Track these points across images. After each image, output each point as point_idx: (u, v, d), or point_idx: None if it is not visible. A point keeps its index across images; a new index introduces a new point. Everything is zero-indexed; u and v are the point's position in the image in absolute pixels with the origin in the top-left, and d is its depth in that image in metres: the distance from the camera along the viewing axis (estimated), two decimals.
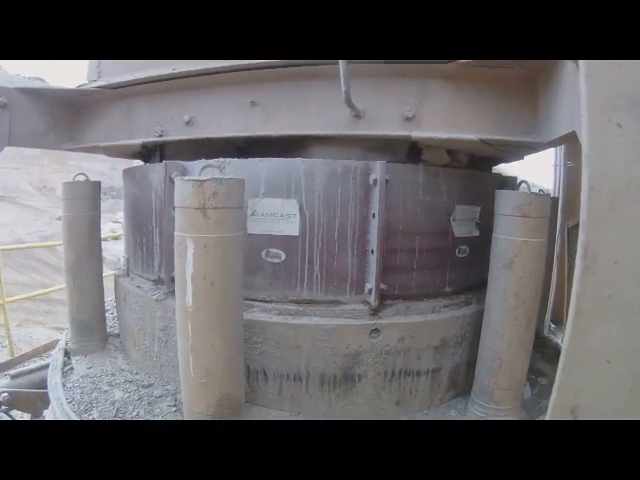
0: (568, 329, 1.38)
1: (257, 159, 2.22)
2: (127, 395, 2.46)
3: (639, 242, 1.30)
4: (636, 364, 1.36)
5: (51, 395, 2.61)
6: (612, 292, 1.31)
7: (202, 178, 1.69)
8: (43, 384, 3.67)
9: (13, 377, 3.99)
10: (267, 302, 2.27)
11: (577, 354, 1.39)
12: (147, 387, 2.52)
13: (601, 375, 1.38)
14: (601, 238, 1.31)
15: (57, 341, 6.05)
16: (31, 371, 4.10)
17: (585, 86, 1.31)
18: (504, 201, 2.14)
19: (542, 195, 2.09)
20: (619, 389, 1.38)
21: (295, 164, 2.17)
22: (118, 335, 3.21)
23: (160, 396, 2.43)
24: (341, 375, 2.23)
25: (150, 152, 2.92)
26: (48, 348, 6.99)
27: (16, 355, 7.07)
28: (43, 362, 4.61)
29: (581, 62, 1.32)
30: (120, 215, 27.79)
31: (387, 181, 2.13)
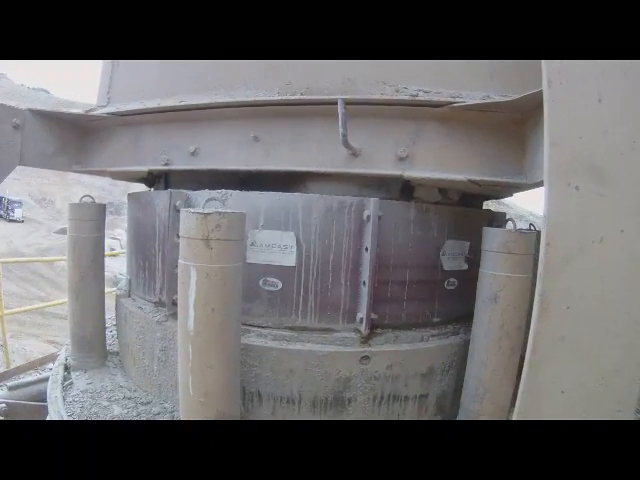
0: (526, 364, 1.51)
1: (257, 192, 2.32)
2: (126, 411, 2.53)
3: (589, 290, 1.44)
4: (587, 395, 1.49)
5: (51, 408, 2.68)
6: (564, 333, 1.45)
7: (206, 211, 1.79)
8: (40, 397, 3.74)
9: (11, 389, 4.03)
10: (263, 328, 2.35)
11: (533, 386, 1.52)
12: (145, 404, 2.59)
13: (556, 404, 1.51)
14: (555, 287, 1.45)
15: (53, 355, 6.12)
16: (29, 384, 4.15)
17: (548, 153, 1.45)
18: (490, 238, 2.25)
19: (527, 233, 2.19)
20: (572, 417, 1.51)
21: (293, 198, 2.28)
22: (117, 353, 3.27)
23: (158, 413, 2.49)
24: (332, 399, 2.31)
25: (155, 178, 3.01)
26: (44, 362, 7.01)
27: (12, 367, 7.09)
28: (41, 375, 4.65)
29: (545, 132, 1.45)
30: (118, 232, 27.76)
31: (380, 217, 2.23)
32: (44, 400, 3.05)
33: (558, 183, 1.44)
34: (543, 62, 1.49)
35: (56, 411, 2.59)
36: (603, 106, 1.42)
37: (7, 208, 44.83)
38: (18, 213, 45.08)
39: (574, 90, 1.45)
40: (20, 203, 45.81)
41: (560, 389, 1.51)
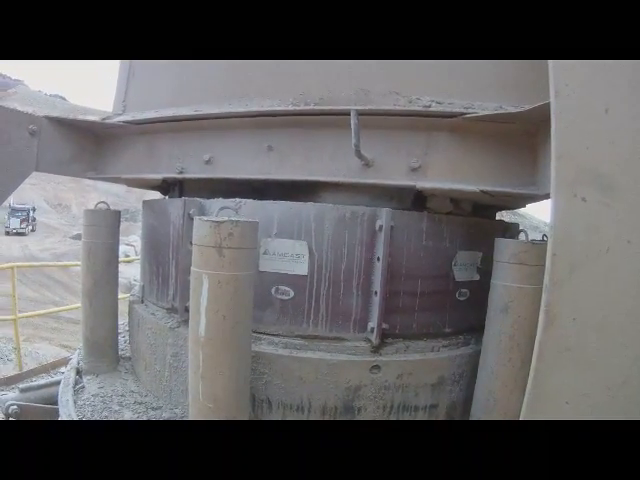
0: (531, 374, 1.54)
1: (271, 201, 2.34)
2: (136, 416, 2.55)
3: (595, 301, 1.46)
4: (591, 406, 1.50)
5: (62, 411, 2.71)
6: (570, 344, 1.47)
7: (219, 219, 1.81)
8: (51, 400, 3.77)
9: (22, 391, 4.07)
10: (274, 336, 2.36)
11: (539, 396, 1.54)
12: (156, 409, 2.60)
13: (560, 415, 1.52)
14: (561, 298, 1.47)
15: (65, 359, 6.17)
16: (40, 387, 4.18)
17: (555, 164, 1.47)
18: (502, 249, 2.24)
19: (539, 244, 2.19)
20: None
21: (306, 208, 2.29)
22: (129, 358, 3.29)
23: (168, 419, 2.51)
24: (342, 407, 2.31)
25: (169, 186, 3.03)
26: (56, 365, 7.08)
27: (25, 370, 7.16)
28: (52, 379, 4.69)
29: (552, 144, 1.47)
30: (133, 238, 27.91)
31: (392, 227, 2.24)
32: (55, 403, 3.07)
33: (565, 194, 1.46)
34: (550, 74, 1.51)
35: (67, 414, 2.62)
36: (610, 117, 1.44)
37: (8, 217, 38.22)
38: (15, 223, 38.17)
39: (581, 101, 1.47)
40: (23, 212, 39.33)
41: (565, 400, 1.52)
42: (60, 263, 16.91)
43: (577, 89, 1.48)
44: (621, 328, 1.46)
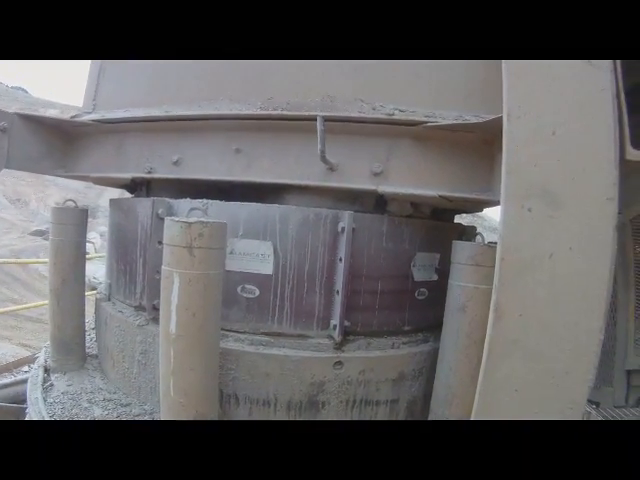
0: (482, 366, 1.66)
1: (238, 203, 2.40)
2: (106, 412, 2.57)
3: (539, 300, 1.61)
4: (539, 393, 1.62)
5: (31, 409, 2.71)
6: (516, 337, 1.61)
7: (190, 220, 1.86)
8: (17, 399, 3.76)
9: None
10: (241, 333, 2.43)
11: (489, 385, 1.66)
12: (125, 406, 2.63)
13: (511, 401, 1.64)
14: (509, 297, 1.61)
15: (27, 358, 6.11)
16: (5, 385, 4.16)
17: (505, 180, 1.60)
18: (459, 250, 2.34)
19: (495, 246, 2.29)
20: (527, 413, 1.64)
21: (272, 210, 2.36)
22: (96, 356, 3.30)
23: (137, 415, 2.55)
24: (306, 402, 2.39)
25: (137, 185, 3.05)
26: (18, 364, 7.00)
27: None
28: (18, 377, 4.66)
29: (503, 160, 1.61)
30: (92, 235, 27.22)
31: (354, 229, 2.32)
32: (21, 402, 3.07)
33: (513, 205, 1.59)
34: (504, 96, 1.63)
35: (37, 412, 2.63)
36: (557, 137, 1.57)
37: None
38: None
39: (531, 123, 1.59)
40: None
41: (514, 388, 1.65)
42: (21, 260, 16.57)
43: (528, 111, 1.60)
44: (563, 324, 1.59)
